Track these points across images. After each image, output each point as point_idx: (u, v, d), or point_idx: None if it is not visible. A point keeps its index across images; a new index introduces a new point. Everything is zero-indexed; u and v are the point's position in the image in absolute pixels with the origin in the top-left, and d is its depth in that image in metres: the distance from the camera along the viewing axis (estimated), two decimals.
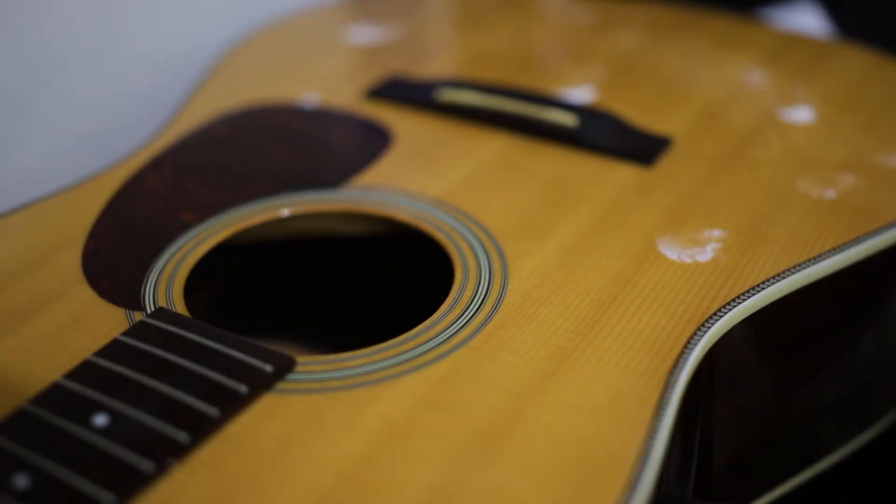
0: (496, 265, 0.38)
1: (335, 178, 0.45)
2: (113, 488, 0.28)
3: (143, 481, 0.28)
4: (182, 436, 0.30)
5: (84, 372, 0.32)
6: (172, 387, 0.31)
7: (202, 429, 0.30)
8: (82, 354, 0.33)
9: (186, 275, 0.39)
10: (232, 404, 0.31)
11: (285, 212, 0.43)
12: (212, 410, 0.31)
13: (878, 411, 0.46)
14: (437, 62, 0.60)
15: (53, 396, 0.31)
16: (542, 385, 0.32)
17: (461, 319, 0.35)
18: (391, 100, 0.53)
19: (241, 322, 0.43)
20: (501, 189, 0.44)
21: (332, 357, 0.34)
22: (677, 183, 0.44)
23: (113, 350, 0.33)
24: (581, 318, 0.35)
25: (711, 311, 0.35)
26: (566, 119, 0.48)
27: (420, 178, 0.45)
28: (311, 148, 0.49)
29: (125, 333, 0.34)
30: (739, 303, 0.36)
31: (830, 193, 0.43)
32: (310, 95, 0.55)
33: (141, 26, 0.66)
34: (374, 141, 0.49)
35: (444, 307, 0.36)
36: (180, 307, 0.37)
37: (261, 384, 0.32)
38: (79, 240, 0.41)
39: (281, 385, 0.32)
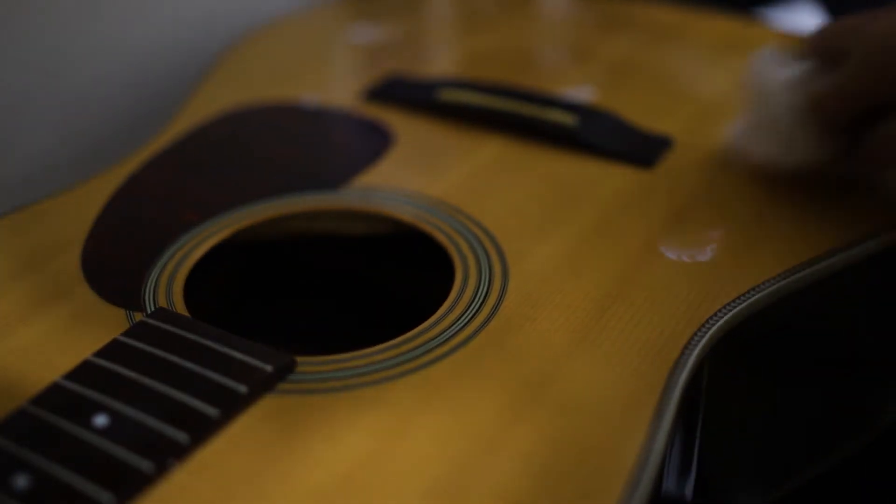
0: (496, 266, 0.38)
1: (335, 177, 0.45)
2: (113, 489, 0.28)
3: (143, 482, 0.28)
4: (182, 436, 0.30)
5: (84, 372, 0.32)
6: (172, 387, 0.31)
7: (202, 429, 0.30)
8: (82, 354, 0.33)
9: (187, 275, 0.39)
10: (232, 405, 0.31)
11: (286, 211, 0.43)
12: (212, 411, 0.30)
13: (877, 413, 0.46)
14: (437, 62, 0.60)
15: (53, 396, 0.31)
16: (542, 386, 0.32)
17: (462, 320, 0.35)
18: (391, 100, 0.53)
19: (241, 322, 0.43)
20: (502, 189, 0.44)
21: (333, 357, 0.34)
22: (678, 183, 0.44)
23: (113, 350, 0.33)
24: (581, 318, 0.35)
25: (711, 312, 0.35)
26: (567, 119, 0.48)
27: (421, 178, 0.45)
28: (311, 147, 0.49)
29: (125, 333, 0.34)
30: (740, 304, 0.36)
31: (831, 194, 0.43)
32: (310, 95, 0.55)
33: (141, 25, 0.66)
34: (374, 141, 0.49)
35: (444, 308, 0.36)
36: (180, 307, 0.37)
37: (261, 384, 0.32)
38: (79, 240, 0.41)
39: (281, 385, 0.32)
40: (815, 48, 0.41)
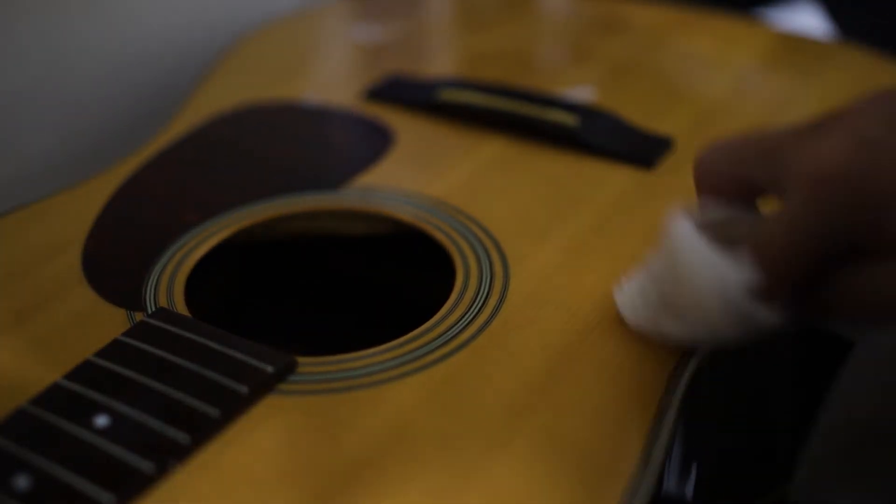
0: (497, 266, 0.38)
1: (336, 177, 0.45)
2: (113, 489, 0.28)
3: (143, 482, 0.28)
4: (182, 437, 0.30)
5: (84, 372, 0.32)
6: (173, 387, 0.31)
7: (203, 430, 0.30)
8: (82, 354, 0.33)
9: (187, 275, 0.39)
10: (233, 405, 0.31)
11: (286, 211, 0.43)
12: (212, 411, 0.30)
13: None
14: (437, 62, 0.60)
15: (53, 397, 0.31)
16: (543, 386, 0.32)
17: (463, 321, 0.35)
18: (392, 99, 0.53)
19: (242, 322, 0.43)
20: (502, 190, 0.44)
21: (334, 358, 0.34)
22: (678, 184, 0.44)
23: (113, 350, 0.33)
24: (582, 319, 0.35)
25: None
26: (567, 119, 0.48)
27: (421, 178, 0.45)
28: (311, 147, 0.49)
29: (126, 333, 0.34)
30: None
31: None
32: (310, 94, 0.55)
33: (141, 26, 0.66)
34: (374, 141, 0.49)
35: (445, 308, 0.36)
36: (181, 307, 0.37)
37: (262, 385, 0.32)
38: (79, 240, 0.41)
39: (282, 386, 0.32)
40: (723, 185, 0.32)
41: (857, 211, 0.28)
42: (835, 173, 0.28)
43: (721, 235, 0.31)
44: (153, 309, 0.36)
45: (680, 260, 0.31)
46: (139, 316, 0.36)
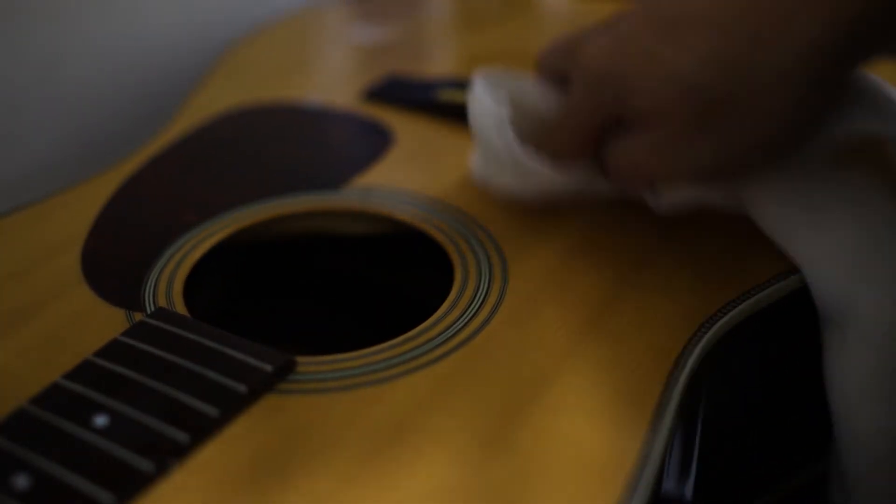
0: (496, 266, 0.38)
1: (335, 177, 0.45)
2: (112, 488, 0.28)
3: (142, 482, 0.28)
4: (182, 436, 0.30)
5: (84, 372, 0.32)
6: (172, 387, 0.31)
7: (202, 429, 0.30)
8: (82, 354, 0.33)
9: (186, 275, 0.39)
10: (232, 404, 0.31)
11: (286, 211, 0.43)
12: (212, 411, 0.31)
13: None
14: (437, 62, 0.60)
15: (53, 396, 0.31)
16: (542, 385, 0.32)
17: (462, 319, 0.35)
18: (391, 99, 0.53)
19: (241, 322, 0.43)
20: None
21: (333, 357, 0.34)
22: None
23: (113, 350, 0.33)
24: (581, 318, 0.35)
25: (711, 312, 0.35)
26: None
27: (420, 178, 0.45)
28: (311, 147, 0.49)
29: (125, 333, 0.34)
30: (739, 304, 0.36)
31: None
32: (310, 95, 0.55)
33: (141, 26, 0.66)
34: (374, 140, 0.49)
35: (444, 307, 0.36)
36: (180, 307, 0.37)
37: (261, 384, 0.32)
38: (79, 240, 0.41)
39: (282, 385, 0.32)
40: (544, 70, 0.41)
41: (608, 91, 0.35)
42: (588, 65, 0.36)
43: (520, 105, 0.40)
44: (152, 309, 0.36)
45: (475, 114, 0.40)
46: (138, 316, 0.36)
